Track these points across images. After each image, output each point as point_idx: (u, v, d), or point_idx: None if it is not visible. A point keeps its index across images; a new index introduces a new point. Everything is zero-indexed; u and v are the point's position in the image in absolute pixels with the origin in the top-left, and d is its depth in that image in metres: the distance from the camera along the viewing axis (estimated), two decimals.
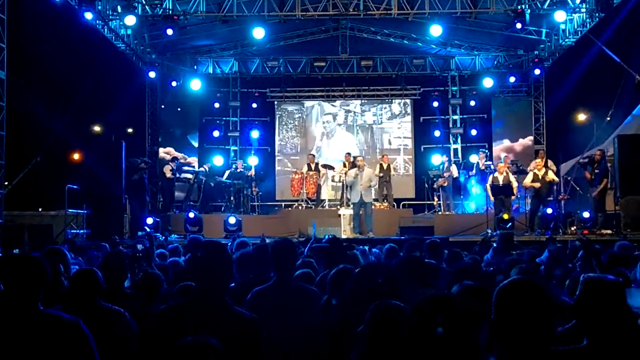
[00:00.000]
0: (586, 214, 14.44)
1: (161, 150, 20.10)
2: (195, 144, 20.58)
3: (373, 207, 15.79)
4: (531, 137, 20.37)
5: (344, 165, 17.42)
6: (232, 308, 3.25)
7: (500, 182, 14.98)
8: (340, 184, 17.90)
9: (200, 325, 2.85)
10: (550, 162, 16.02)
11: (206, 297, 3.21)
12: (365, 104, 21.62)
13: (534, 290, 2.53)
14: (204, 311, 3.15)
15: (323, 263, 5.48)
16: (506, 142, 20.28)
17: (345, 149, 19.54)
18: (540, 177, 15.00)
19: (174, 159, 18.55)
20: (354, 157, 17.30)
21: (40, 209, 16.26)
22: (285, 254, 4.40)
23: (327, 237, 10.50)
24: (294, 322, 3.57)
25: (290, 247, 4.52)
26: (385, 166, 17.88)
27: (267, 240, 7.39)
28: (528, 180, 15.20)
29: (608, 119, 16.54)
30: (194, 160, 20.11)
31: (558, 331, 3.29)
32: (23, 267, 3.06)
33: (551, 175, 15.07)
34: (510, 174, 15.39)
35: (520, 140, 20.38)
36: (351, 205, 15.16)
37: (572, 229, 14.47)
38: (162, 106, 20.46)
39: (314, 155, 19.03)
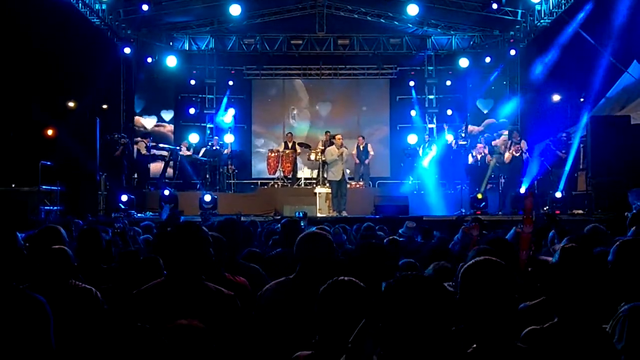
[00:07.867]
0: (558, 194, 14.65)
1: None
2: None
3: (349, 186, 15.89)
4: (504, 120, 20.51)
5: (322, 144, 17.44)
6: (208, 286, 3.29)
7: (479, 162, 15.32)
8: (317, 163, 17.93)
9: (178, 305, 2.90)
10: (523, 142, 16.22)
11: (182, 277, 3.26)
12: (343, 82, 21.58)
13: (497, 269, 2.52)
14: (181, 291, 3.20)
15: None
16: (490, 120, 20.27)
17: (323, 128, 19.51)
18: (516, 156, 15.29)
19: (147, 135, 18.40)
20: (333, 136, 17.35)
21: (13, 185, 16.09)
22: (229, 233, 4.41)
23: (298, 214, 10.54)
24: None
25: (234, 227, 4.53)
26: (362, 147, 17.92)
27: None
28: (507, 157, 15.58)
29: (582, 100, 16.73)
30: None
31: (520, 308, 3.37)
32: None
33: (524, 155, 15.38)
34: (488, 155, 15.71)
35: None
36: (328, 184, 15.24)
37: (545, 208, 14.66)
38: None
39: (291, 134, 19.01)
